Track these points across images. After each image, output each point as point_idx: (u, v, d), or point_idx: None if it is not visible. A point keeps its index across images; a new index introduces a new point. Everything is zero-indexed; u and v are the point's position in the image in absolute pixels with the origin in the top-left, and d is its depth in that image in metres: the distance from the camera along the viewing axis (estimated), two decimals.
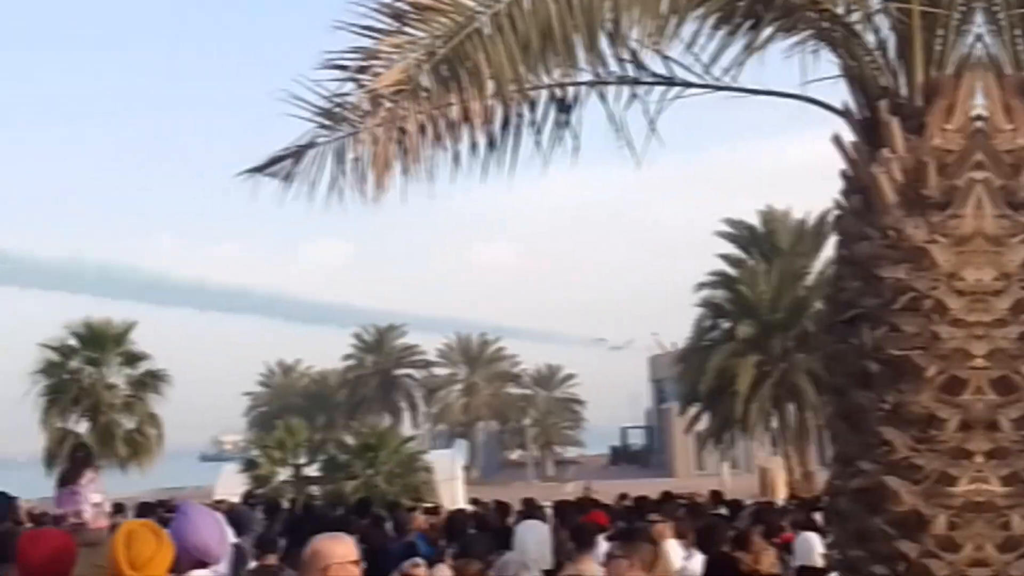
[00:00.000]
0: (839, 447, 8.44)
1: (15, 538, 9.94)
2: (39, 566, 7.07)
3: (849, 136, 8.44)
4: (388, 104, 6.68)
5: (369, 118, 7.16)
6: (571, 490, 33.43)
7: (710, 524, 13.08)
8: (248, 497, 30.81)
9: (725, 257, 51.72)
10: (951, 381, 7.84)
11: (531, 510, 20.18)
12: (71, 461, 14.85)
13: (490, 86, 7.14)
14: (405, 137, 7.12)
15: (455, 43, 6.70)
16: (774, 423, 50.20)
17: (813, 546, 11.03)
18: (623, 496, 28.67)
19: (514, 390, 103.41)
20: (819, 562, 10.65)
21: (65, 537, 7.95)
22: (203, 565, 7.55)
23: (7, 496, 15.30)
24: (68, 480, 14.71)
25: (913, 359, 7.86)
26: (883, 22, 8.49)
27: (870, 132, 8.27)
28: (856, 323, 8.09)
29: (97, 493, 15.35)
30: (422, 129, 7.17)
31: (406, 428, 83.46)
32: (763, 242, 52.02)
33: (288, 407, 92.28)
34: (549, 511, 20.36)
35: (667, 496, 25.02)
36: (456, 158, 7.93)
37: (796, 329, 47.19)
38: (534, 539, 10.03)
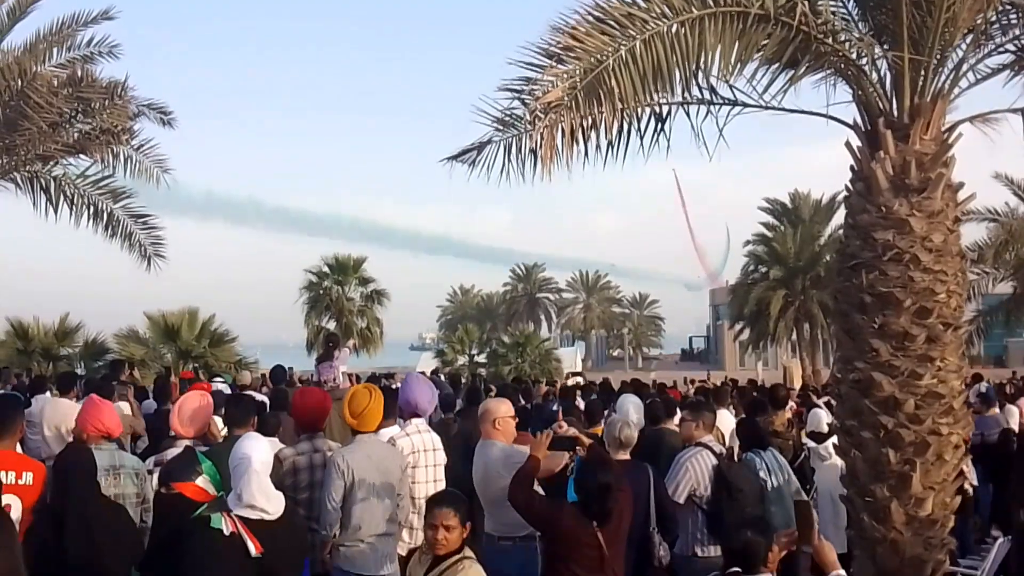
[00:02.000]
0: (842, 352, 8.40)
1: (290, 394, 10.34)
2: (306, 412, 7.37)
3: (856, 142, 8.35)
4: (552, 114, 6.67)
5: (534, 124, 7.16)
6: (653, 376, 33.52)
7: (753, 400, 12.87)
8: (436, 373, 31.31)
9: (764, 224, 51.41)
10: (921, 309, 7.79)
11: (627, 387, 20.21)
12: (327, 345, 15.17)
13: (616, 104, 7.09)
14: (560, 137, 7.09)
15: (595, 74, 6.68)
16: (794, 336, 49.87)
17: (821, 418, 10.92)
18: (693, 381, 28.65)
19: (617, 309, 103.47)
20: (825, 429, 10.59)
21: (323, 393, 8.27)
22: (417, 416, 7.79)
23: (283, 367, 15.83)
24: (325, 357, 15.24)
25: (895, 294, 7.81)
26: (882, 64, 8.35)
27: (872, 140, 8.18)
28: (857, 269, 8.04)
29: (344, 366, 15.79)
30: (572, 132, 7.14)
31: (544, 332, 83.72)
32: (790, 214, 51.59)
33: (466, 316, 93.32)
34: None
35: (723, 383, 24.95)
36: (586, 153, 7.93)
37: (811, 273, 47.00)
38: (633, 405, 10.09)
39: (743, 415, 11.43)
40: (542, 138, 6.79)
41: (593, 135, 7.73)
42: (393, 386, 14.66)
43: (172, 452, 7.06)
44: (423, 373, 24.66)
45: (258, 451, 5.45)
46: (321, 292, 37.59)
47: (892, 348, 7.79)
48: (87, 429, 6.74)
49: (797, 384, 35.71)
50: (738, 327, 53.30)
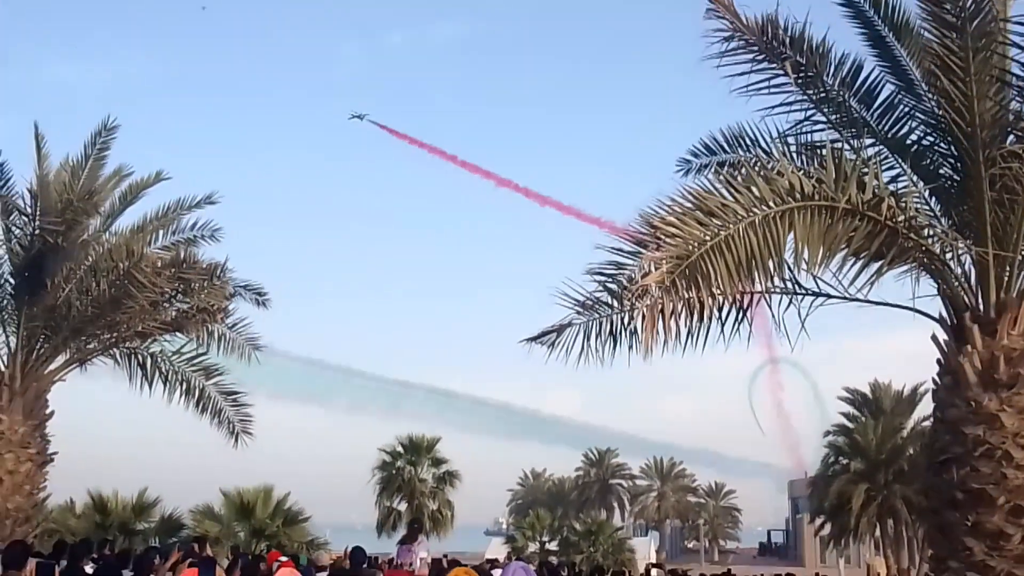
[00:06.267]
0: (934, 550, 8.23)
1: None
2: None
3: (942, 335, 8.41)
4: (649, 296, 6.83)
5: (632, 306, 7.32)
6: (731, 570, 32.55)
7: None
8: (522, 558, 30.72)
9: (844, 414, 50.43)
10: (1016, 508, 7.66)
11: None
12: (409, 529, 15.16)
13: (712, 289, 7.21)
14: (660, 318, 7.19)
15: (692, 259, 6.85)
16: (877, 533, 48.08)
17: None
18: None
19: (692, 498, 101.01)
20: None
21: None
22: None
23: (362, 549, 15.73)
24: (407, 540, 15.16)
25: (988, 491, 7.70)
26: (966, 259, 8.48)
27: (958, 334, 8.25)
28: (947, 464, 7.98)
29: (424, 551, 15.68)
30: (672, 314, 7.25)
31: (616, 520, 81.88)
32: (871, 404, 50.57)
33: (537, 501, 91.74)
34: None
35: None
36: (676, 335, 8.03)
37: (895, 467, 45.44)
38: None
39: None
40: (643, 318, 6.95)
41: (683, 318, 7.88)
42: None
43: None
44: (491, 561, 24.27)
45: None
46: (394, 472, 37.49)
47: (987, 547, 7.63)
48: None
49: None
50: (818, 521, 51.60)
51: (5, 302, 15.90)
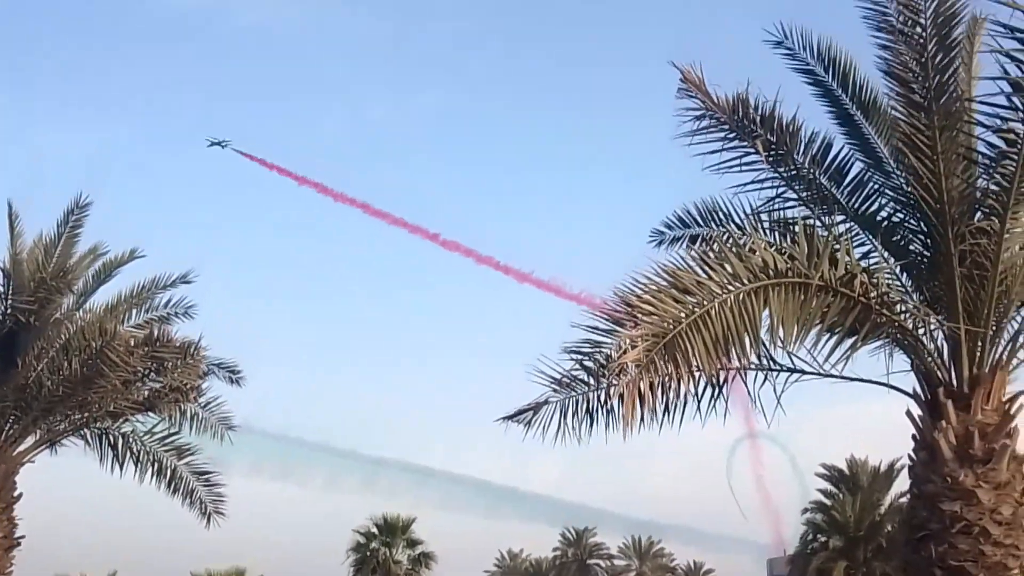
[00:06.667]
0: None
1: None
2: None
3: (917, 411, 8.44)
4: (628, 373, 6.83)
5: (609, 383, 7.31)
6: None
7: None
8: None
9: (821, 490, 50.14)
10: None
11: None
12: None
13: (691, 365, 7.23)
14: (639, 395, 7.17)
15: (670, 336, 6.87)
16: None
17: None
18: None
19: None
20: None
21: None
22: None
23: None
24: None
25: (967, 568, 7.68)
26: (938, 334, 8.55)
27: (933, 409, 8.28)
28: (925, 541, 7.95)
29: None
30: (650, 390, 7.24)
31: None
32: (848, 480, 50.28)
33: None
34: None
35: None
36: (654, 411, 7.97)
37: (874, 543, 45.10)
38: None
39: None
40: (621, 397, 6.94)
41: (660, 395, 7.85)
42: None
43: None
44: None
45: None
46: (368, 554, 36.98)
47: None
48: None
49: None
50: None
51: None
